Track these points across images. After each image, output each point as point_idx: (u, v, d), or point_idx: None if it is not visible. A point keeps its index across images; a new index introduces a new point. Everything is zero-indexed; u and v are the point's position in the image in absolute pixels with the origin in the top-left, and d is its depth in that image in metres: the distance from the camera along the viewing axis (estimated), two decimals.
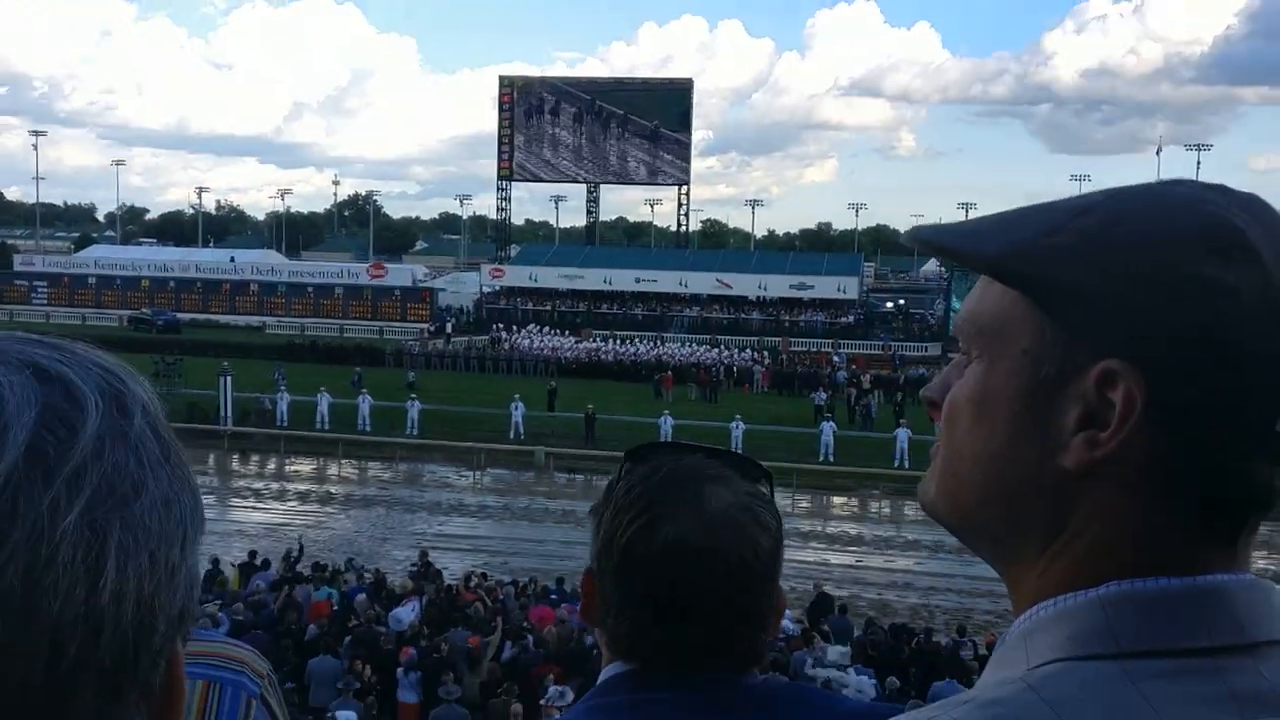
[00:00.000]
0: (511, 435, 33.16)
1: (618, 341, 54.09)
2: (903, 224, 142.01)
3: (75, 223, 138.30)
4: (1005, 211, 0.75)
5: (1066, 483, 0.69)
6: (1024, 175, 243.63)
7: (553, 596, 16.84)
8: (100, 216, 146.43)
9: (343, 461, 32.23)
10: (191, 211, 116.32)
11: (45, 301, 66.36)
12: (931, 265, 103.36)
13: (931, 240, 0.77)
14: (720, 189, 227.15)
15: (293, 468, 31.71)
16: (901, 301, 72.22)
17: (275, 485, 29.34)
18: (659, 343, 54.32)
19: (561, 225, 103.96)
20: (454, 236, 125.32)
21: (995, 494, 0.72)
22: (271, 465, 31.76)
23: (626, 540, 1.15)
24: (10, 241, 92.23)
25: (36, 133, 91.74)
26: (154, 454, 0.55)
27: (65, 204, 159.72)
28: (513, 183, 79.46)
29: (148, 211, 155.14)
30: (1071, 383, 0.68)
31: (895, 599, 21.38)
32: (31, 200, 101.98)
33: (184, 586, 0.55)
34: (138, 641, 0.53)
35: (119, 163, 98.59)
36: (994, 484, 0.72)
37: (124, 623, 0.51)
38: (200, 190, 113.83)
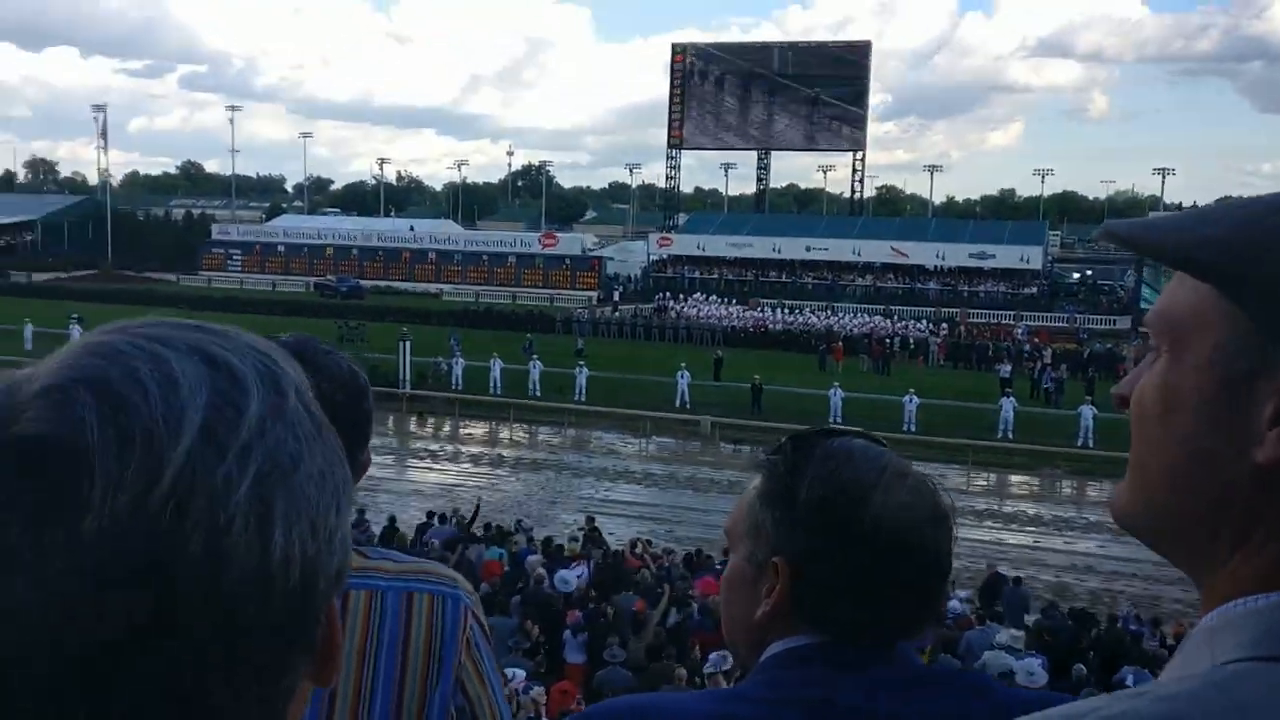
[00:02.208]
0: (677, 403, 33.19)
1: (785, 310, 53.51)
2: (1093, 190, 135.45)
3: (266, 193, 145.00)
4: (1202, 206, 0.74)
5: (1261, 479, 0.67)
6: (1229, 137, 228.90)
7: (718, 567, 16.75)
8: (289, 187, 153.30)
9: (514, 425, 32.90)
10: (373, 182, 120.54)
11: (239, 269, 70.09)
12: None
13: (1123, 235, 0.74)
14: (897, 154, 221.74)
15: (466, 430, 32.56)
16: (1089, 273, 69.04)
17: (450, 447, 30.17)
18: (829, 312, 53.48)
19: (730, 193, 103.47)
20: (623, 205, 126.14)
21: (1186, 491, 0.70)
22: (447, 428, 32.68)
23: (868, 515, 1.17)
24: (209, 211, 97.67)
25: (232, 108, 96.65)
26: (308, 430, 0.60)
27: (258, 175, 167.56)
28: (682, 151, 79.33)
29: (333, 182, 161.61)
30: (1266, 378, 0.66)
31: (1074, 582, 20.51)
32: (228, 172, 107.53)
33: (340, 549, 0.60)
34: (303, 601, 0.57)
35: (306, 135, 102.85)
36: (1185, 481, 0.70)
37: (291, 584, 0.56)
38: (381, 161, 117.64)
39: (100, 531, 0.52)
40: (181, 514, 0.53)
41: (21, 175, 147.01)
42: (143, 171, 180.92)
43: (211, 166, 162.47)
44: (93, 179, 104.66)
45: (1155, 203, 78.69)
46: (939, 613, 1.27)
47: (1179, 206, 71.15)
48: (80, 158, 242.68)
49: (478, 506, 19.38)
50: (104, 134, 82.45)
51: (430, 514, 19.36)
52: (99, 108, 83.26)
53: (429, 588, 1.61)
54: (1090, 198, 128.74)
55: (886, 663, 1.18)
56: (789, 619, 1.19)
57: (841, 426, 1.30)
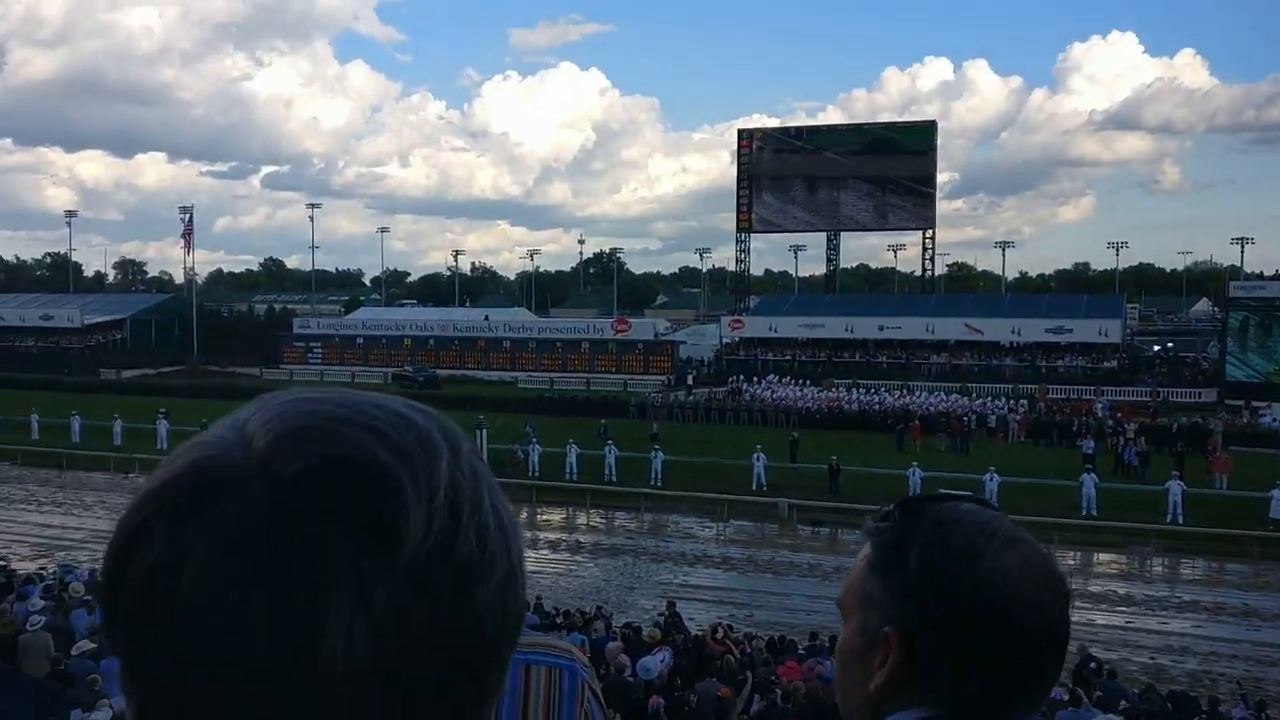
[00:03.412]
0: (754, 486, 33.02)
1: (861, 391, 53.14)
2: (1169, 262, 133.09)
3: (345, 287, 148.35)
4: None
5: None
6: None
7: (800, 652, 16.53)
8: (367, 280, 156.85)
9: (591, 511, 32.95)
10: (449, 273, 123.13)
11: (320, 361, 71.61)
12: (1203, 305, 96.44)
13: None
14: (967, 231, 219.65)
15: (544, 517, 32.67)
16: (1170, 345, 67.65)
17: (527, 534, 30.21)
18: (905, 391, 52.99)
19: (801, 274, 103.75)
20: (694, 290, 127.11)
21: None
22: (524, 514, 32.81)
23: (979, 584, 1.13)
24: (290, 306, 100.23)
25: (313, 205, 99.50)
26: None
27: (336, 270, 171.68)
28: (751, 234, 79.91)
29: (409, 274, 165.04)
30: None
31: (1171, 664, 19.82)
32: (308, 268, 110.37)
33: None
34: (521, 615, 0.65)
35: (384, 230, 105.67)
36: None
37: (522, 589, 0.64)
38: (456, 253, 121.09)
39: (416, 542, 0.58)
40: (456, 520, 0.60)
41: (112, 276, 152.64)
42: (227, 269, 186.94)
43: (292, 263, 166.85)
44: (179, 278, 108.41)
45: (1235, 272, 77.15)
46: (1055, 683, 1.21)
47: (1260, 275, 69.66)
48: (168, 257, 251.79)
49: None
50: (189, 234, 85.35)
51: None
52: (185, 209, 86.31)
53: (546, 660, 1.53)
54: (1167, 269, 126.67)
55: None
56: (903, 692, 1.15)
57: (951, 491, 1.25)
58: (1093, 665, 16.03)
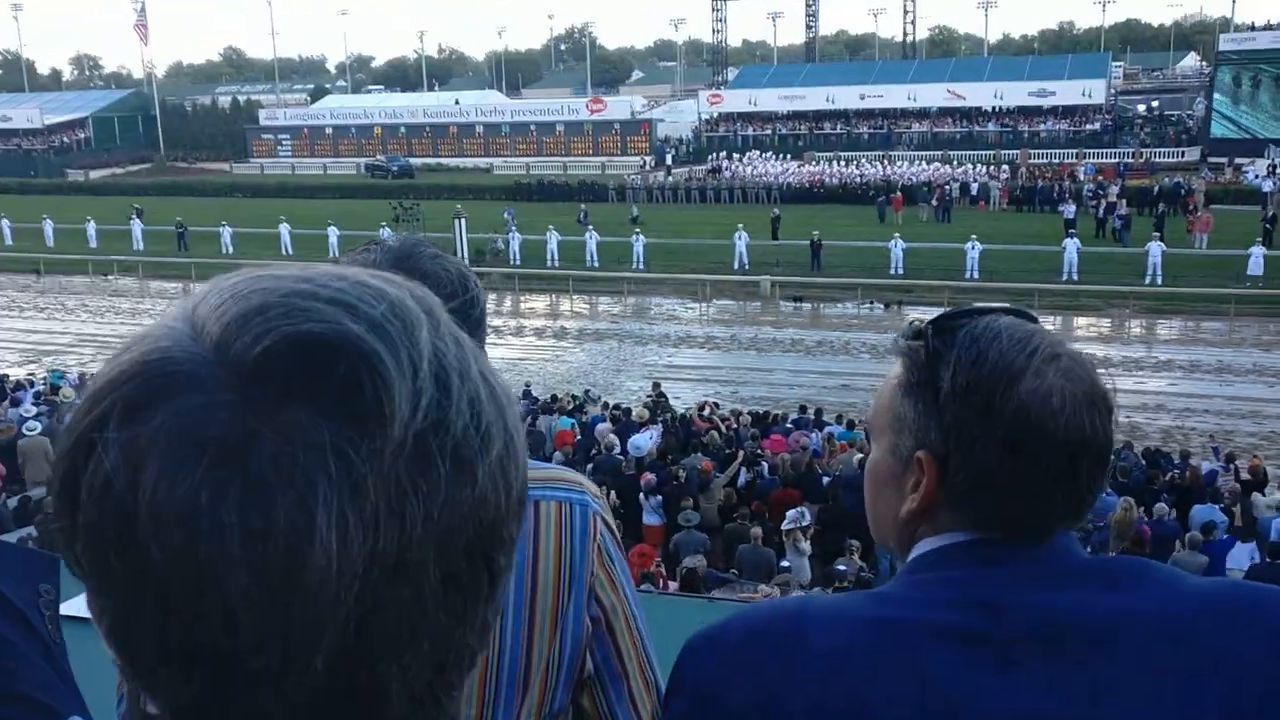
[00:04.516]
0: (735, 265, 33.00)
1: (842, 163, 52.50)
2: (1156, 16, 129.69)
3: (309, 75, 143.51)
4: None
5: None
6: None
7: (788, 426, 16.88)
8: (331, 67, 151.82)
9: (574, 297, 33.00)
10: (415, 56, 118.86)
11: (289, 154, 70.12)
12: (1190, 60, 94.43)
13: None
14: None
15: (527, 305, 32.73)
16: (1155, 103, 66.49)
17: (512, 322, 30.35)
18: (886, 162, 52.39)
19: (780, 44, 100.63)
20: (670, 64, 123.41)
21: None
22: (507, 303, 32.82)
23: (1017, 403, 1.08)
24: (255, 97, 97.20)
25: None
26: None
27: (300, 57, 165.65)
28: (728, 1, 77.01)
29: (374, 59, 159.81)
30: None
31: (1145, 421, 20.35)
32: (269, 56, 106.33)
33: None
34: (525, 489, 0.60)
35: (344, 13, 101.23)
36: None
37: (521, 461, 0.59)
38: (422, 34, 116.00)
39: (405, 420, 0.52)
40: (446, 393, 0.54)
41: (68, 73, 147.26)
42: (186, 61, 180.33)
43: (253, 51, 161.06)
44: (138, 72, 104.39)
45: (1226, 25, 75.15)
46: (1098, 494, 1.15)
47: (1251, 27, 67.81)
48: (124, 51, 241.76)
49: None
50: (144, 25, 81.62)
51: None
52: None
53: (556, 495, 1.52)
54: (1155, 24, 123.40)
55: (1039, 557, 1.10)
56: (937, 515, 1.13)
57: (988, 304, 1.19)
58: None
